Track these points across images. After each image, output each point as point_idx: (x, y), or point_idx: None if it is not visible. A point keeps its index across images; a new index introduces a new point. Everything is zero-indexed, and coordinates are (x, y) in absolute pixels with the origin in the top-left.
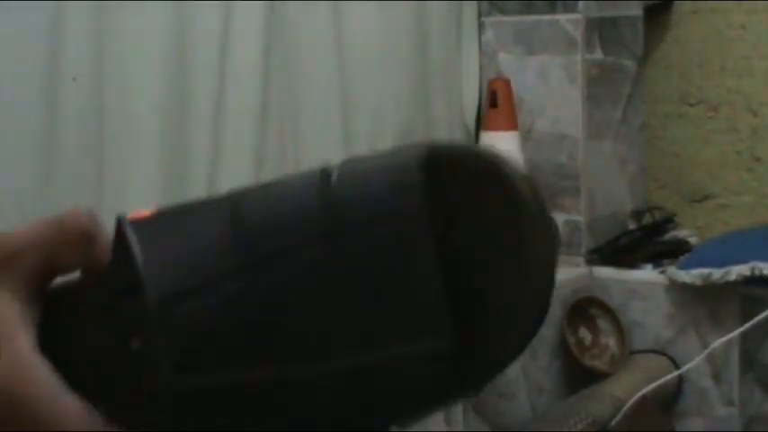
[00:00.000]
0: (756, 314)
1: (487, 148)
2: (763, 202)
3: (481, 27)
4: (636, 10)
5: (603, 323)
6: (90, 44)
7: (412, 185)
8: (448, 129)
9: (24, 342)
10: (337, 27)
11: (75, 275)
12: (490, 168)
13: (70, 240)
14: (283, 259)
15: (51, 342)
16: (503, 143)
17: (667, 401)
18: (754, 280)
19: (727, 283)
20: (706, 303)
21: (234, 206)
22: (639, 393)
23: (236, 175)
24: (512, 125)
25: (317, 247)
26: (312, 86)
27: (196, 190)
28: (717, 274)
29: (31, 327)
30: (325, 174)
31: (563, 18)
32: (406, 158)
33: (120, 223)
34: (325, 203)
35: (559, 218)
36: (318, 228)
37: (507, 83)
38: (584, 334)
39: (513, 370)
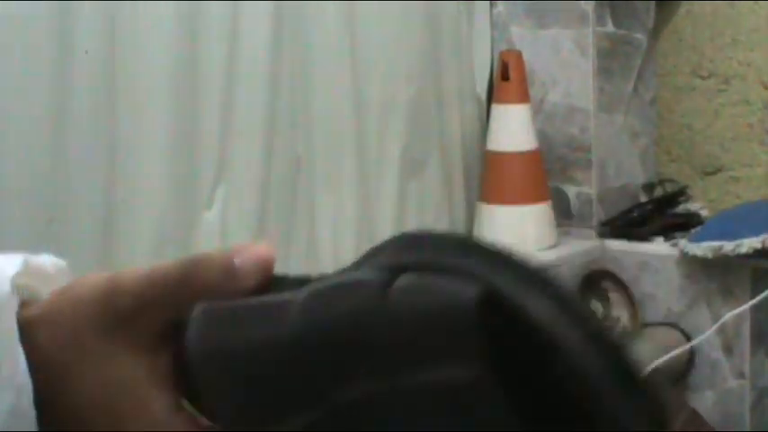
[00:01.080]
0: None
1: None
2: None
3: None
4: None
5: (615, 296)
6: (102, 18)
7: (470, 331)
8: (459, 101)
9: (160, 404)
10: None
11: None
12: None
13: (196, 295)
14: (330, 402)
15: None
16: (514, 116)
17: (680, 374)
18: (765, 253)
19: (739, 256)
20: (717, 276)
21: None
22: (652, 365)
23: (246, 149)
24: (523, 98)
25: (367, 388)
26: (323, 59)
27: (207, 163)
28: (728, 246)
29: (166, 378)
30: (377, 303)
31: None
32: (458, 300)
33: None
34: (376, 343)
35: (571, 190)
36: (369, 368)
37: (519, 55)
38: (596, 307)
39: None
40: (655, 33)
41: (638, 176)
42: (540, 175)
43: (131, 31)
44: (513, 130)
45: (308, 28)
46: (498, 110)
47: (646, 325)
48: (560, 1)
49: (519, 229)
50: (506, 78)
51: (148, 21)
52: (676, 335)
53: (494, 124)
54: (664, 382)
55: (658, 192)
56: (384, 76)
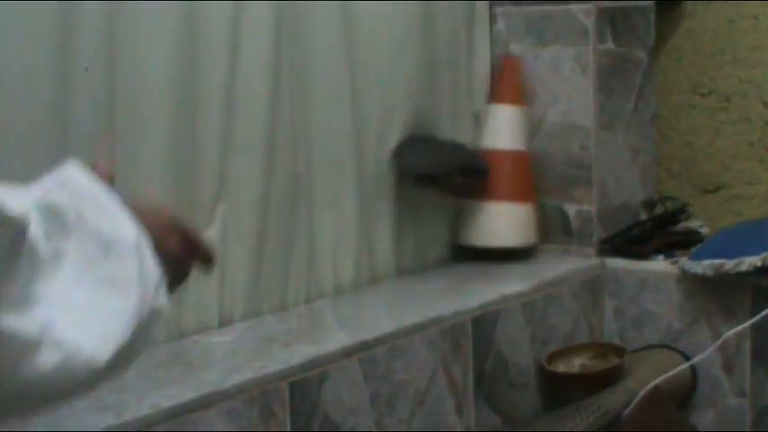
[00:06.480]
0: None
1: None
2: None
3: (492, 17)
4: (647, 0)
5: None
6: (102, 34)
7: None
8: (457, 118)
9: None
10: (346, 15)
11: None
12: None
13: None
14: None
15: None
16: (504, 115)
17: (682, 394)
18: (765, 270)
19: (739, 274)
20: (717, 294)
21: None
22: (651, 384)
23: (246, 167)
24: (516, 100)
25: None
26: (322, 77)
27: (207, 181)
28: (729, 264)
29: None
30: None
31: (575, 7)
32: None
33: None
34: None
35: (571, 208)
36: None
37: (516, 60)
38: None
39: (525, 359)
40: (655, 51)
41: (639, 194)
42: (527, 177)
43: (131, 48)
44: (501, 128)
45: (307, 46)
46: (490, 109)
47: (648, 347)
48: (561, 18)
49: (501, 225)
50: (502, 79)
51: (148, 38)
52: (677, 356)
53: (485, 123)
54: (669, 401)
55: (659, 209)
56: (383, 93)
